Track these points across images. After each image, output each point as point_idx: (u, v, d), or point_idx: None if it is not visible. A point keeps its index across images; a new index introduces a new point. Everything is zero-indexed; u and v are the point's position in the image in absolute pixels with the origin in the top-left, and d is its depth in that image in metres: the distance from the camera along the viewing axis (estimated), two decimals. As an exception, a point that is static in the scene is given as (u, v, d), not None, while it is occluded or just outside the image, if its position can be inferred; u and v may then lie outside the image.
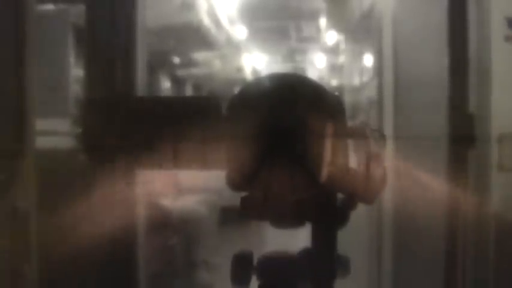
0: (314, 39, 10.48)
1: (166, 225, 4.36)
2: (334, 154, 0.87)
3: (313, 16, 9.13)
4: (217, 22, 7.55)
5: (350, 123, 0.92)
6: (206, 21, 6.77)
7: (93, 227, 2.36)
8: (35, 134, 2.22)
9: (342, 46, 7.11)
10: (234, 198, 0.90)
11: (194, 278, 4.67)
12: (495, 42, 2.44)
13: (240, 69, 10.61)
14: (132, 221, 2.70)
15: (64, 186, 2.60)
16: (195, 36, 6.85)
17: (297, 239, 1.05)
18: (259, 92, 0.90)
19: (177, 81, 9.46)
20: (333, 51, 8.47)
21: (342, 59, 7.42)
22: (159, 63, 7.72)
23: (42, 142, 2.38)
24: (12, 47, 2.10)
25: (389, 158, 0.93)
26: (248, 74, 11.03)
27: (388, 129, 3.73)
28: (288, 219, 0.90)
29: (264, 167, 0.85)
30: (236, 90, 0.92)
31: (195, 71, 9.15)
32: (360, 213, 0.91)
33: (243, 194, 0.89)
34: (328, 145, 0.86)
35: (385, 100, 3.88)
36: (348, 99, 5.54)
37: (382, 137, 0.92)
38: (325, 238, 0.91)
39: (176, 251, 4.47)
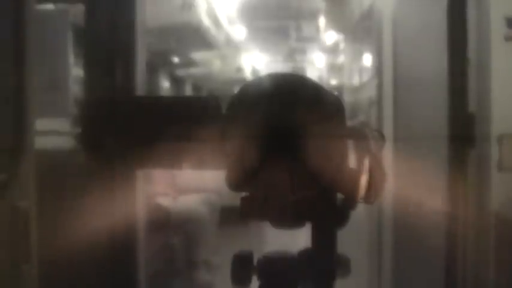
0: (314, 39, 10.48)
1: (167, 225, 4.35)
2: (334, 154, 0.87)
3: (313, 16, 9.13)
4: (217, 22, 7.55)
5: (350, 123, 0.92)
6: (206, 21, 6.77)
7: (93, 227, 2.35)
8: (35, 134, 2.22)
9: (342, 46, 7.12)
10: (234, 198, 0.90)
11: (194, 277, 4.66)
12: (495, 42, 2.44)
13: (239, 69, 10.62)
14: (132, 221, 2.70)
15: (64, 186, 2.60)
16: (195, 36, 6.85)
17: (297, 239, 1.05)
18: (259, 92, 0.90)
19: (177, 81, 9.47)
20: (333, 51, 8.48)
21: (341, 58, 7.42)
22: (158, 63, 7.73)
23: (42, 142, 2.37)
24: (12, 47, 2.10)
25: (389, 157, 0.93)
26: (248, 74, 11.03)
27: (388, 129, 3.72)
28: (288, 219, 0.90)
29: (264, 167, 0.85)
30: (236, 90, 0.92)
31: (194, 71, 9.16)
32: (360, 213, 0.91)
33: (243, 194, 0.89)
34: (327, 145, 0.86)
35: (385, 100, 3.88)
36: (347, 99, 5.55)
37: (381, 137, 0.92)
38: (325, 238, 0.91)
39: (176, 251, 4.47)
